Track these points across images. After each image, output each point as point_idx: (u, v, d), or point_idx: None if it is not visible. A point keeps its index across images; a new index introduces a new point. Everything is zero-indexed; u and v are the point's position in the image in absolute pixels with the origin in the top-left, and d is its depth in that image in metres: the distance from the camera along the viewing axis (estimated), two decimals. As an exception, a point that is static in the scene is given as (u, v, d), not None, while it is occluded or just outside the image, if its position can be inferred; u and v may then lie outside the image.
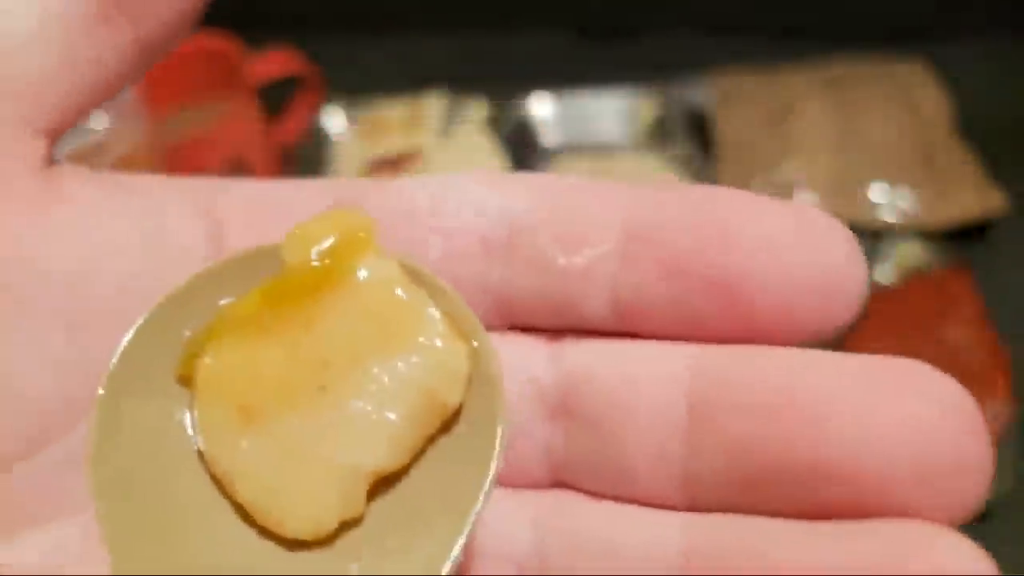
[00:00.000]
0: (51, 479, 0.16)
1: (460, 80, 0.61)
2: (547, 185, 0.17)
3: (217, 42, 0.55)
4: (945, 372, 0.14)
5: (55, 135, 0.18)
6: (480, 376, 0.16)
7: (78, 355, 0.17)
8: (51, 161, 0.18)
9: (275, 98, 0.59)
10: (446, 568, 0.15)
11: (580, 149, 0.59)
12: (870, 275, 0.15)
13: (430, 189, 0.18)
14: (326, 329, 0.16)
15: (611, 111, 0.61)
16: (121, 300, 0.17)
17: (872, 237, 0.54)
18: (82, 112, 0.18)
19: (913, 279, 0.51)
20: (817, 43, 0.62)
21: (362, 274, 0.16)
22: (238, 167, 0.56)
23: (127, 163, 0.49)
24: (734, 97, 0.61)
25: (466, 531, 0.15)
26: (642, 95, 0.61)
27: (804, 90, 0.60)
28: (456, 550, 0.15)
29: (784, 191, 0.56)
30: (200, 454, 0.16)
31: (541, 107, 0.61)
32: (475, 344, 0.16)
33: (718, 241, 0.15)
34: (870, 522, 0.14)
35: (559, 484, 0.17)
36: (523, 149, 0.59)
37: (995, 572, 0.13)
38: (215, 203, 0.18)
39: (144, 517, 0.16)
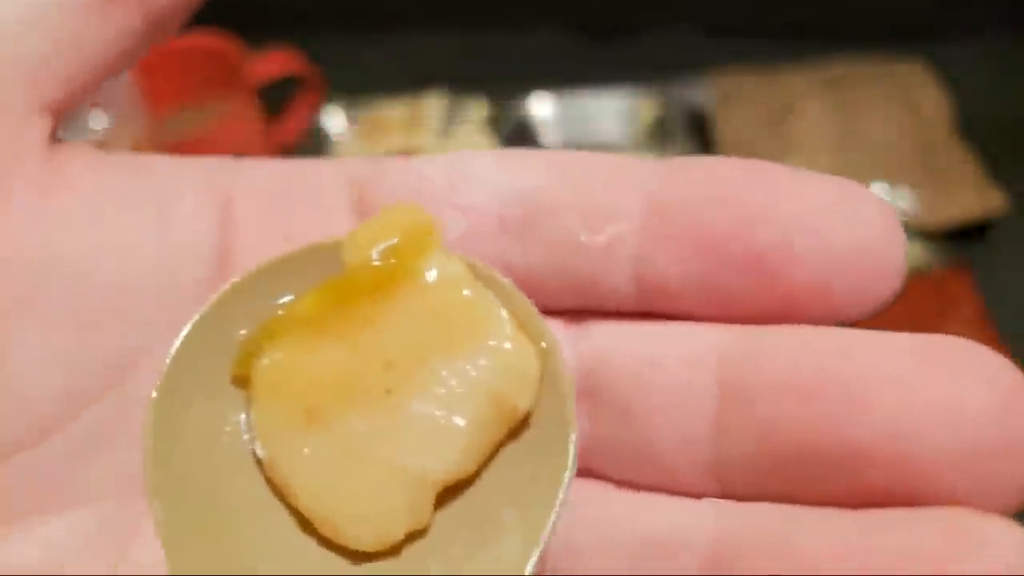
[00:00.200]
0: (53, 471, 0.16)
1: (460, 80, 0.61)
2: (566, 161, 0.17)
3: (217, 42, 0.55)
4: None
5: (60, 113, 0.17)
6: (549, 379, 0.15)
7: (82, 349, 0.16)
8: (56, 139, 0.17)
9: (275, 98, 0.59)
10: None
11: (580, 149, 0.59)
12: (906, 253, 0.15)
13: (447, 167, 0.17)
14: (390, 330, 0.15)
15: (611, 111, 0.61)
16: (128, 290, 0.17)
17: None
18: (89, 89, 0.17)
19: (913, 279, 0.51)
20: (817, 43, 0.62)
21: (428, 274, 0.15)
22: (238, 167, 0.56)
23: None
24: (734, 97, 0.61)
25: (541, 543, 0.14)
26: (642, 95, 0.61)
27: (804, 90, 0.60)
28: (532, 561, 0.14)
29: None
30: (257, 458, 0.16)
31: (541, 107, 0.61)
32: (544, 346, 0.15)
33: (751, 216, 0.15)
34: (914, 511, 0.13)
35: (584, 472, 0.16)
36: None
37: None
38: (227, 185, 0.18)
39: (201, 523, 0.15)
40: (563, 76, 0.61)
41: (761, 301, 0.15)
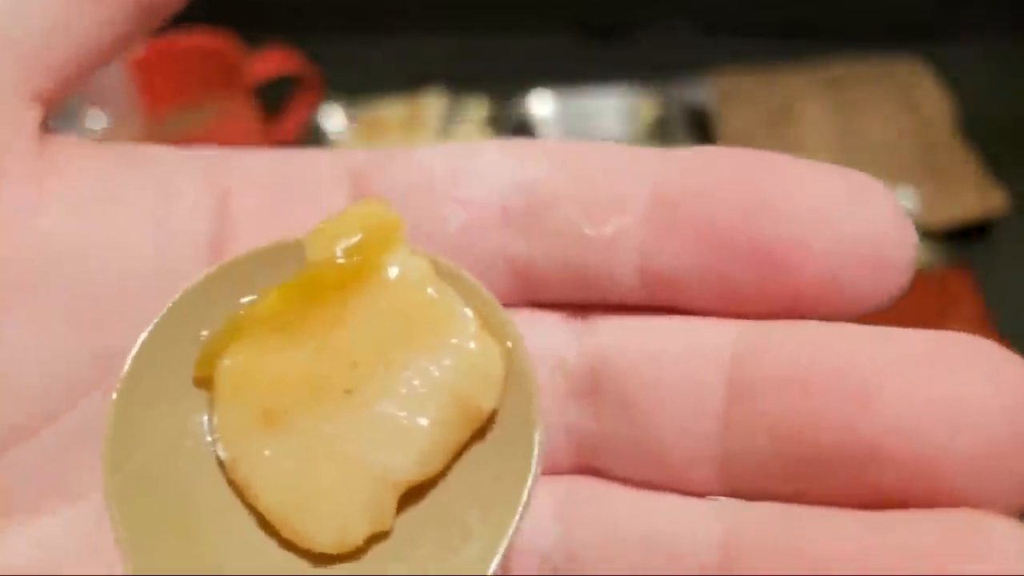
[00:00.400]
0: (48, 466, 0.16)
1: (459, 79, 0.61)
2: (569, 151, 0.16)
3: (215, 41, 0.55)
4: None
5: (52, 102, 0.17)
6: (514, 378, 0.15)
7: (76, 341, 0.16)
8: (47, 128, 0.17)
9: (273, 97, 0.59)
10: None
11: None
12: (916, 247, 0.15)
13: (447, 158, 0.17)
14: (353, 329, 0.15)
15: (611, 110, 0.61)
16: (121, 282, 0.16)
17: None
18: (80, 78, 0.17)
19: (914, 278, 0.51)
20: (817, 43, 0.62)
21: (391, 271, 0.15)
22: (237, 166, 0.55)
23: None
24: (734, 97, 0.61)
25: (504, 544, 0.14)
26: (642, 94, 0.61)
27: (804, 90, 0.60)
28: (495, 564, 0.14)
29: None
30: (219, 460, 0.15)
31: (541, 106, 0.61)
32: (509, 345, 0.15)
33: (759, 208, 0.14)
34: (923, 512, 0.13)
35: (586, 469, 0.16)
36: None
37: None
38: (224, 177, 0.17)
39: (160, 526, 0.15)
40: (563, 75, 0.61)
41: (769, 295, 0.15)
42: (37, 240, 0.16)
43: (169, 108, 0.55)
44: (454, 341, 0.15)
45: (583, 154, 0.16)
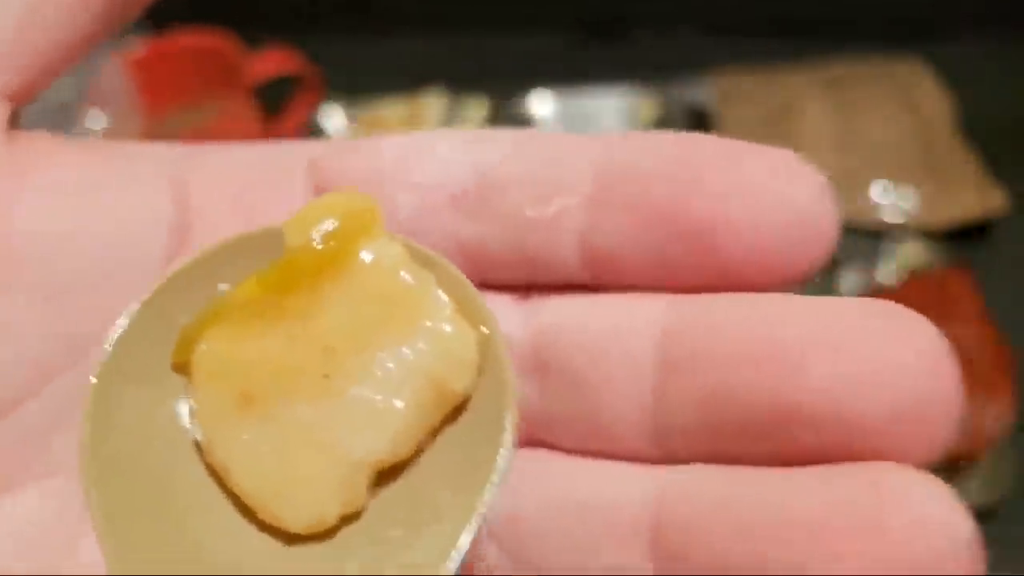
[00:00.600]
0: (16, 446, 0.16)
1: (459, 78, 0.61)
2: (515, 138, 0.17)
3: (215, 41, 0.55)
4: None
5: (19, 99, 0.17)
6: (489, 363, 0.15)
7: (46, 326, 0.16)
8: (15, 126, 0.17)
9: (273, 97, 0.59)
10: (452, 563, 0.14)
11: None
12: (838, 221, 0.15)
13: (399, 147, 0.17)
14: (329, 314, 0.15)
15: (611, 110, 0.61)
16: (88, 270, 0.17)
17: (873, 237, 0.54)
18: (50, 73, 0.17)
19: (914, 279, 0.51)
20: (817, 43, 0.62)
21: (366, 257, 0.15)
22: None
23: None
24: (734, 97, 0.61)
25: (473, 524, 0.14)
26: (642, 94, 0.61)
27: (804, 90, 0.60)
28: (463, 544, 0.14)
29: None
30: (197, 443, 0.16)
31: (541, 106, 0.61)
32: (484, 330, 0.15)
33: (689, 187, 0.15)
34: (846, 466, 0.14)
35: (536, 442, 0.17)
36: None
37: (965, 515, 0.13)
38: (186, 168, 0.18)
39: (138, 508, 0.15)
40: (563, 75, 0.61)
41: (701, 269, 0.15)
42: (6, 230, 0.16)
43: (169, 108, 0.55)
44: (428, 325, 0.15)
45: (531, 141, 0.17)
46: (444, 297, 0.15)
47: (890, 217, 0.55)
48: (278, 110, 0.59)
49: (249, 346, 0.15)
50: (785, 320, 0.15)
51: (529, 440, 0.17)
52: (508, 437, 0.15)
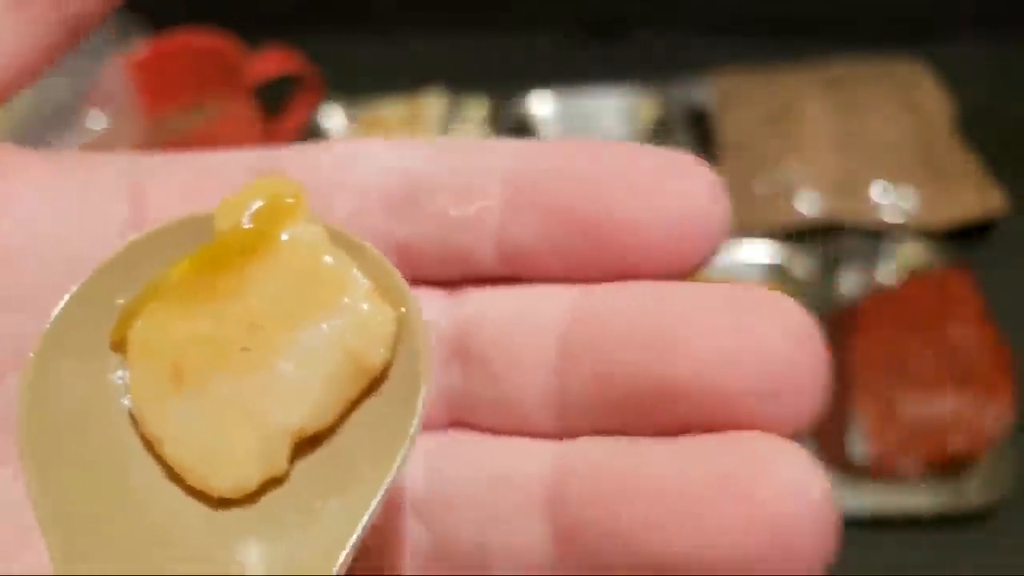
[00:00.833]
0: None
1: (459, 78, 0.61)
2: (443, 145, 0.19)
3: (215, 41, 0.55)
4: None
5: None
6: (408, 340, 0.16)
7: (5, 328, 0.17)
8: None
9: (273, 97, 0.59)
10: (356, 530, 0.15)
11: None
12: (728, 216, 0.17)
13: (335, 152, 0.19)
14: (254, 293, 0.16)
15: (611, 110, 0.61)
16: (40, 275, 0.18)
17: (873, 237, 0.54)
18: (9, 89, 0.18)
19: (914, 279, 0.51)
20: (817, 43, 0.62)
21: (290, 239, 0.17)
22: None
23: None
24: (734, 97, 0.61)
25: (386, 483, 0.16)
26: (642, 94, 0.61)
27: (804, 90, 0.60)
28: (376, 502, 0.16)
29: (785, 191, 0.56)
30: (131, 416, 0.17)
31: (541, 105, 0.61)
32: (403, 310, 0.16)
33: (590, 188, 0.17)
34: (720, 436, 0.15)
35: (458, 424, 0.18)
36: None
37: (822, 478, 0.15)
38: (139, 174, 0.19)
39: (73, 479, 0.16)
40: (563, 75, 0.61)
41: (603, 264, 0.17)
42: None
43: (169, 109, 0.55)
44: (347, 302, 0.16)
45: (453, 147, 0.19)
46: (361, 276, 0.17)
47: (890, 217, 0.55)
48: (278, 110, 0.59)
49: (181, 324, 0.16)
50: (666, 304, 0.16)
51: (454, 422, 0.18)
52: (420, 409, 0.16)
